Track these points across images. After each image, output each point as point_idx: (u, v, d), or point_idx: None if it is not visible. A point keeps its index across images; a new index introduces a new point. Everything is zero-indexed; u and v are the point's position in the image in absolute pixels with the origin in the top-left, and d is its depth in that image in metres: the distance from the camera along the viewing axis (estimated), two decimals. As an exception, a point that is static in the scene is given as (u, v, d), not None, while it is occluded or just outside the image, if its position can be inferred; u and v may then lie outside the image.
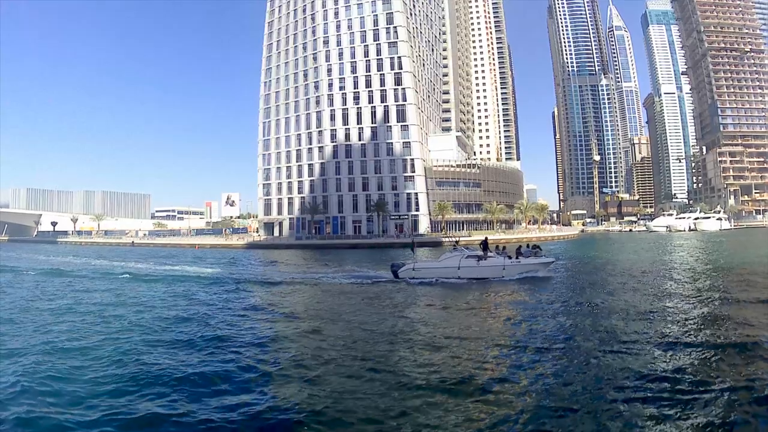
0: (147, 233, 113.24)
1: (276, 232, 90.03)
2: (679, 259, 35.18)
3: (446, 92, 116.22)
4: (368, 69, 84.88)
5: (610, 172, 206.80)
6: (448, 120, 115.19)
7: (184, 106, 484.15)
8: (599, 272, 27.29)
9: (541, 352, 10.17)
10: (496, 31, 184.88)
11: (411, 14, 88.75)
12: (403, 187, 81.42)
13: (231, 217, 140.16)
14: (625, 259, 35.33)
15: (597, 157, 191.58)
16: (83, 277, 28.69)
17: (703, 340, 10.96)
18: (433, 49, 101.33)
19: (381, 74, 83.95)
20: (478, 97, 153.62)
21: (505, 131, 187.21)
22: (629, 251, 44.83)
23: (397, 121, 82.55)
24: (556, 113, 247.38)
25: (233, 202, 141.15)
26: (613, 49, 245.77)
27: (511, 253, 23.82)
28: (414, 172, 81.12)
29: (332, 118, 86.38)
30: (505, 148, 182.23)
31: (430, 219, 79.92)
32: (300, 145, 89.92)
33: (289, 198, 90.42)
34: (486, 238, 25.57)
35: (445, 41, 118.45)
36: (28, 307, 17.26)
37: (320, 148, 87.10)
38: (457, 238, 26.53)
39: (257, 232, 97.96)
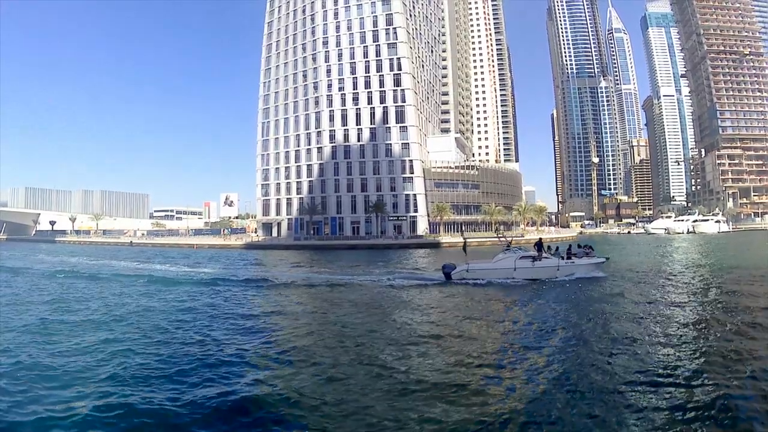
0: (145, 233, 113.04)
1: (274, 233, 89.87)
2: (705, 262, 34.81)
3: (445, 94, 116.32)
4: (367, 70, 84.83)
5: (609, 175, 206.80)
6: (447, 121, 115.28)
7: (184, 106, 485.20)
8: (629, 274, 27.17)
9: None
10: (495, 32, 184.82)
11: (410, 15, 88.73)
12: (401, 188, 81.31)
13: (229, 217, 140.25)
14: (635, 261, 35.25)
15: (596, 159, 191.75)
16: (83, 278, 28.58)
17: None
18: (432, 51, 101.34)
19: (380, 75, 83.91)
20: (477, 99, 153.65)
21: (503, 133, 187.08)
22: (634, 253, 44.84)
23: (396, 123, 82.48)
24: (555, 115, 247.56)
25: (232, 202, 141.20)
26: (613, 51, 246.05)
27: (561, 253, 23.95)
28: (413, 173, 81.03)
29: (331, 118, 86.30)
30: (504, 149, 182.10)
31: (429, 220, 79.83)
32: (299, 146, 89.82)
33: (287, 198, 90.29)
34: (540, 239, 25.74)
35: (444, 42, 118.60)
36: (43, 316, 15.61)
37: (319, 149, 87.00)
38: (511, 239, 26.36)
39: (255, 232, 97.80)
